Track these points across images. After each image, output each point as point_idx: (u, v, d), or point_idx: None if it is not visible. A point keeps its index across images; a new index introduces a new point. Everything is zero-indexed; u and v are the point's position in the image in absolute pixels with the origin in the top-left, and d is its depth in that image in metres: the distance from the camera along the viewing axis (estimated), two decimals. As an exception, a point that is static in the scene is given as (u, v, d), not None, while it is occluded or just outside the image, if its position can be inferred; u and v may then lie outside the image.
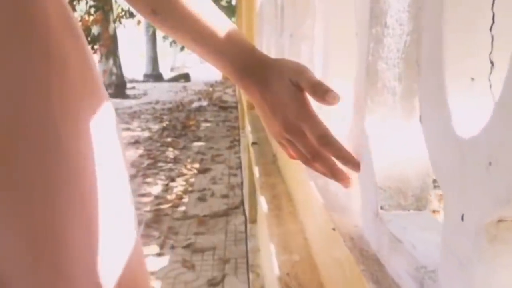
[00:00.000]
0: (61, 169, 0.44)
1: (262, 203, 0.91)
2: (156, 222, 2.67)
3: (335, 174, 0.49)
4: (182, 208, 2.91)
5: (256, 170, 1.18)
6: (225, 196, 3.13)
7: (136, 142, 4.90)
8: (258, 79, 0.51)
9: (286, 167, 1.11)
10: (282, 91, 0.49)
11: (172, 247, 2.35)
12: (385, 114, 0.49)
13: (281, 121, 0.49)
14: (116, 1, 9.04)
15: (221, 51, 0.53)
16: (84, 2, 7.95)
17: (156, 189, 3.31)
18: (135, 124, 6.09)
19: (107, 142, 0.49)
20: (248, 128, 1.93)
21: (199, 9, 0.52)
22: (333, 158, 0.50)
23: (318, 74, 0.77)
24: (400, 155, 0.47)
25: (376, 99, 0.49)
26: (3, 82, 0.41)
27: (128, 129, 5.70)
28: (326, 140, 0.48)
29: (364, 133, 0.50)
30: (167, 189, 3.31)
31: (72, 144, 0.45)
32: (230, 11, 10.08)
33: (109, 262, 0.48)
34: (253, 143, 1.53)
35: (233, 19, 9.62)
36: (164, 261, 2.20)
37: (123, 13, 9.20)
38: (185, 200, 3.09)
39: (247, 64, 0.52)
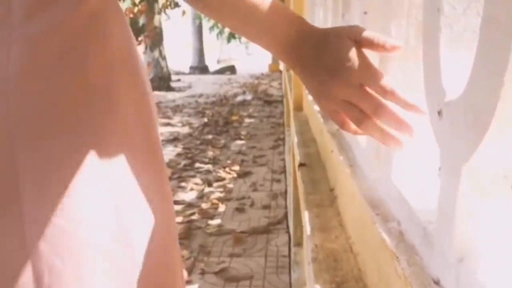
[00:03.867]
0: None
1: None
2: (186, 238, 2.33)
3: (400, 124, 0.44)
4: (217, 221, 2.56)
5: (306, 218, 0.78)
6: (266, 207, 2.75)
7: (175, 139, 4.63)
8: (313, 44, 0.49)
9: (354, 217, 0.70)
10: (342, 47, 0.47)
11: (202, 273, 2.00)
12: None
13: (341, 78, 0.47)
14: (161, -8, 8.84)
15: (269, 29, 0.51)
16: (130, -8, 7.80)
17: (191, 195, 2.98)
18: (176, 119, 5.85)
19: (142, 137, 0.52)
20: (294, 138, 1.53)
21: None
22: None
23: (448, 77, 0.36)
24: None
25: None
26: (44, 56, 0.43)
27: (168, 124, 5.45)
28: (391, 88, 0.45)
29: None
30: (202, 195, 2.98)
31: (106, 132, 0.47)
32: None
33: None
34: (301, 165, 1.13)
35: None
36: (192, 291, 1.86)
37: (168, 2, 8.96)
38: (221, 209, 2.75)
39: (299, 35, 0.50)
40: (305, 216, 0.80)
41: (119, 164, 0.48)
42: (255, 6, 0.51)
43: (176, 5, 8.85)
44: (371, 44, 0.47)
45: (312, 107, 1.53)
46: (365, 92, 0.46)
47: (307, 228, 0.75)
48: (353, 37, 0.47)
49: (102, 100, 0.47)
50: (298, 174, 1.12)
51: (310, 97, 1.63)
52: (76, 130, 0.45)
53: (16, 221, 0.43)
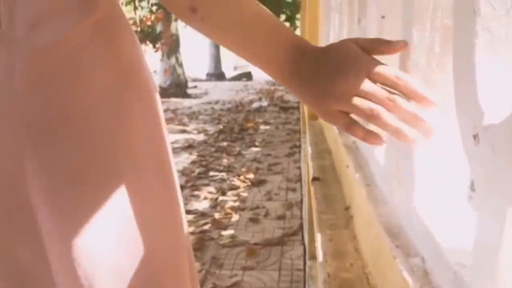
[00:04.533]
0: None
1: None
2: (199, 250, 2.28)
3: (416, 117, 0.40)
4: (230, 232, 2.50)
5: (318, 242, 0.72)
6: (281, 217, 2.68)
7: (189, 147, 4.60)
8: (313, 58, 0.48)
9: (371, 244, 0.63)
10: (347, 48, 0.46)
11: (214, 287, 1.94)
12: None
13: (350, 74, 0.44)
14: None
15: (271, 42, 0.49)
16: (147, 0, 7.87)
17: (204, 204, 2.93)
18: (191, 126, 5.83)
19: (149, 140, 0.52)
20: (307, 148, 1.46)
21: (243, 3, 0.50)
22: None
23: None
24: None
25: None
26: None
27: (184, 131, 5.43)
28: (403, 77, 0.42)
29: None
30: (215, 204, 2.92)
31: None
32: (295, 7, 9.60)
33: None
34: (314, 179, 1.06)
35: (298, 15, 9.16)
36: (202, 307, 1.80)
37: (185, 10, 8.99)
38: (235, 219, 2.69)
39: (299, 50, 0.48)
40: (318, 239, 0.73)
41: (127, 174, 0.48)
42: (257, 19, 0.50)
43: (193, 12, 8.86)
44: (376, 49, 0.45)
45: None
46: (376, 85, 0.44)
47: (319, 254, 0.68)
48: (355, 41, 0.46)
49: (109, 106, 0.47)
50: (311, 189, 1.05)
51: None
52: (84, 140, 0.45)
53: (35, 235, 0.44)
